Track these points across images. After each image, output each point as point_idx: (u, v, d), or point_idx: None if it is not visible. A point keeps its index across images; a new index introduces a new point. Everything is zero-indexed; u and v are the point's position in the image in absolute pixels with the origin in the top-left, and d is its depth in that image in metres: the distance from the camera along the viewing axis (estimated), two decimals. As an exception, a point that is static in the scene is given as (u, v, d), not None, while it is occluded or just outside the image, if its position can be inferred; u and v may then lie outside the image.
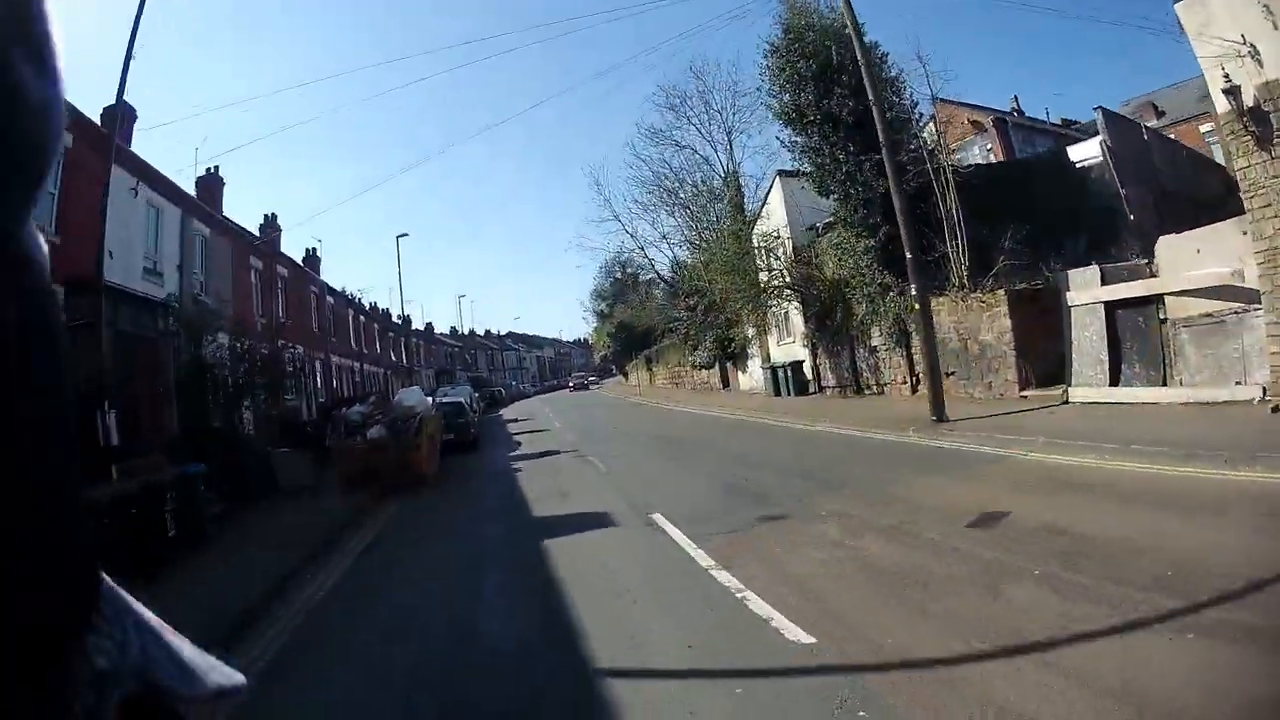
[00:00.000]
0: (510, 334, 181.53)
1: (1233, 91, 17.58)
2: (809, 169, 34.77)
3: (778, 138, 35.35)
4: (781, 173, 45.68)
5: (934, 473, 16.14)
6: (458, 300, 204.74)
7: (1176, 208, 32.51)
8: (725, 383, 60.39)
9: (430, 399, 32.08)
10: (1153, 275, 21.71)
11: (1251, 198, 17.94)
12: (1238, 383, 18.94)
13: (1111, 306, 22.80)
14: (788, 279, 42.30)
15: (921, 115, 32.40)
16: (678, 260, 71.84)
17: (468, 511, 19.89)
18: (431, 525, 18.77)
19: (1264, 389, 18.02)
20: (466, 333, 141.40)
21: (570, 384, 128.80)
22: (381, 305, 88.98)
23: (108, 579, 0.98)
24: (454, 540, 16.43)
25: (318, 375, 53.23)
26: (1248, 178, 17.93)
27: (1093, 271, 23.69)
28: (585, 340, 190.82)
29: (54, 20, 0.80)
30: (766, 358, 50.18)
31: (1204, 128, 53.42)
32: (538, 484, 22.74)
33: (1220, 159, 46.21)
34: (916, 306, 24.50)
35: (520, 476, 25.28)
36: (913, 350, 31.84)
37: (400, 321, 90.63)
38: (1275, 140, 17.25)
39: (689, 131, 65.94)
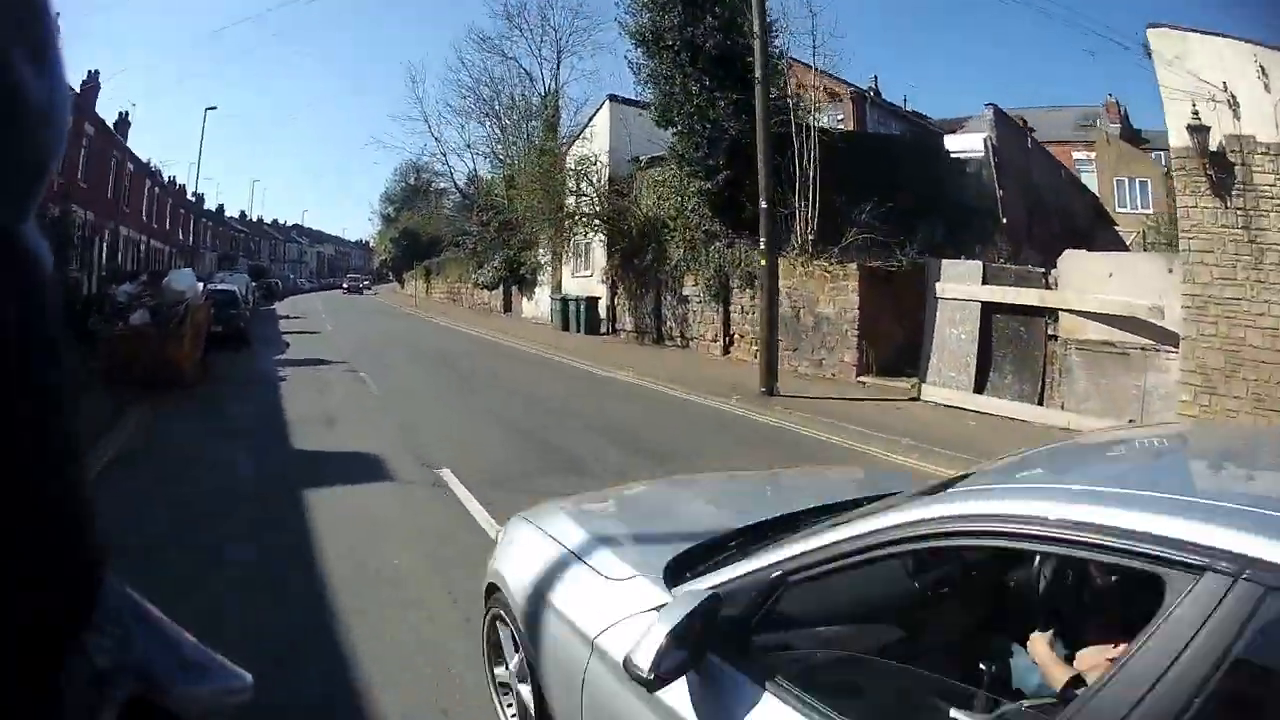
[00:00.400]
0: (296, 226, 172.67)
1: (1199, 130, 17.05)
2: (653, 96, 32.47)
3: (626, 57, 33.50)
4: (613, 98, 43.50)
5: (782, 460, 14.05)
6: (252, 185, 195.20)
7: (1046, 222, 33.08)
8: (507, 307, 57.77)
9: (201, 284, 29.55)
10: (1048, 287, 20.49)
11: (1191, 239, 17.52)
12: (1131, 421, 17.90)
13: (990, 308, 21.46)
14: (597, 208, 40.22)
15: (789, 65, 30.62)
16: (477, 172, 70.02)
17: (221, 430, 16.87)
18: (174, 447, 15.21)
19: (1161, 433, 17.25)
20: (255, 219, 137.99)
21: (344, 285, 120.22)
22: (180, 181, 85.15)
23: (109, 578, 1.01)
24: (192, 477, 12.72)
25: (103, 246, 48.99)
26: (1191, 218, 17.54)
27: (973, 266, 22.11)
28: (367, 243, 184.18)
29: (55, 20, 0.85)
30: (558, 287, 47.61)
31: (1077, 154, 55.21)
32: (304, 400, 20.43)
33: (1094, 187, 50.05)
34: (763, 262, 22.42)
35: (285, 388, 22.89)
36: (730, 308, 30.59)
37: (194, 200, 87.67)
38: (1234, 192, 16.86)
39: (519, 44, 66.41)
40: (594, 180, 40.70)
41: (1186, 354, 17.29)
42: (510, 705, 5.39)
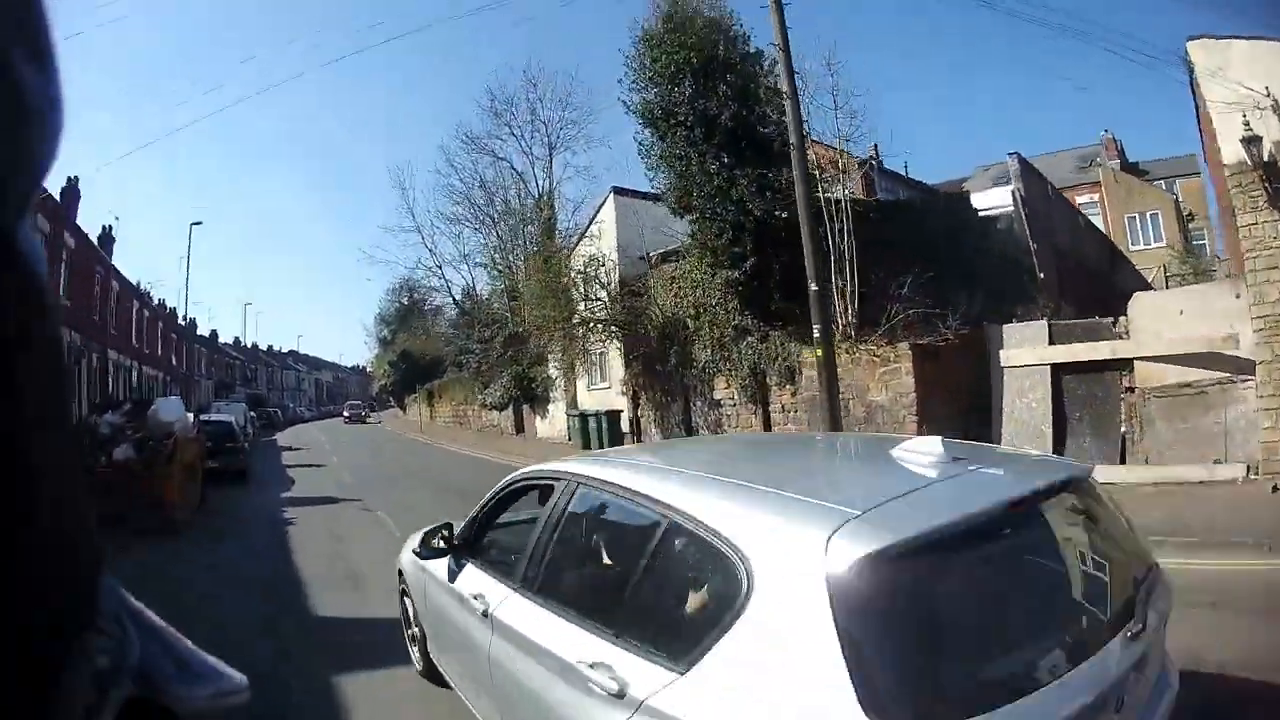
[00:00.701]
0: (292, 352, 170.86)
1: (1253, 142, 16.48)
2: (666, 181, 29.43)
3: (635, 138, 30.22)
4: (618, 190, 41.23)
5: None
6: (244, 308, 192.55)
7: (1074, 272, 31.78)
8: (520, 428, 53.94)
9: (190, 416, 26.25)
10: (1119, 336, 19.54)
11: (1255, 257, 16.91)
12: (1217, 461, 17.32)
13: (1059, 369, 20.28)
14: (610, 312, 37.17)
15: (810, 130, 27.12)
16: (475, 286, 68.35)
17: (219, 587, 13.97)
18: (160, 612, 12.09)
19: (1249, 467, 16.83)
20: (250, 345, 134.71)
21: (345, 413, 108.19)
22: (169, 304, 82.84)
23: (109, 579, 1.05)
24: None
25: (91, 371, 46.77)
26: (1252, 235, 16.91)
27: (1038, 327, 21.27)
28: (363, 368, 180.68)
29: (53, 21, 0.85)
30: (573, 403, 44.59)
31: (1081, 199, 53.30)
32: (316, 549, 17.44)
33: (1102, 227, 48.21)
34: (811, 355, 20.54)
35: (295, 533, 19.90)
36: (770, 408, 27.92)
37: (186, 324, 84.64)
38: (1294, 202, 15.93)
39: (509, 143, 60.99)
40: (604, 282, 38.03)
41: (1264, 378, 16.78)
42: (415, 649, 8.65)
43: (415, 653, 8.50)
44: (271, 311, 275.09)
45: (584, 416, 37.84)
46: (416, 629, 8.23)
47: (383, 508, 23.01)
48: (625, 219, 39.08)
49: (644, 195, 36.29)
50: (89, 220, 59.66)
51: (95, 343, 48.09)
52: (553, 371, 47.36)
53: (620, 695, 3.96)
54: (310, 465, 39.66)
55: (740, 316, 28.48)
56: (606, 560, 5.68)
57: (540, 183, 58.48)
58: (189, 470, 22.01)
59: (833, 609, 3.28)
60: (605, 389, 41.05)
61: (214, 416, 36.62)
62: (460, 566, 6.85)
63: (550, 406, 49.01)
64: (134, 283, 63.18)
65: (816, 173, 27.08)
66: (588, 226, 43.54)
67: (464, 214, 64.05)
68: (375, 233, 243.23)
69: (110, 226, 56.55)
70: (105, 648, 0.98)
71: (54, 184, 40.88)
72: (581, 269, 39.19)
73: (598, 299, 37.82)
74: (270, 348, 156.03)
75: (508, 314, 51.60)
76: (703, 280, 29.86)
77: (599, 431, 36.34)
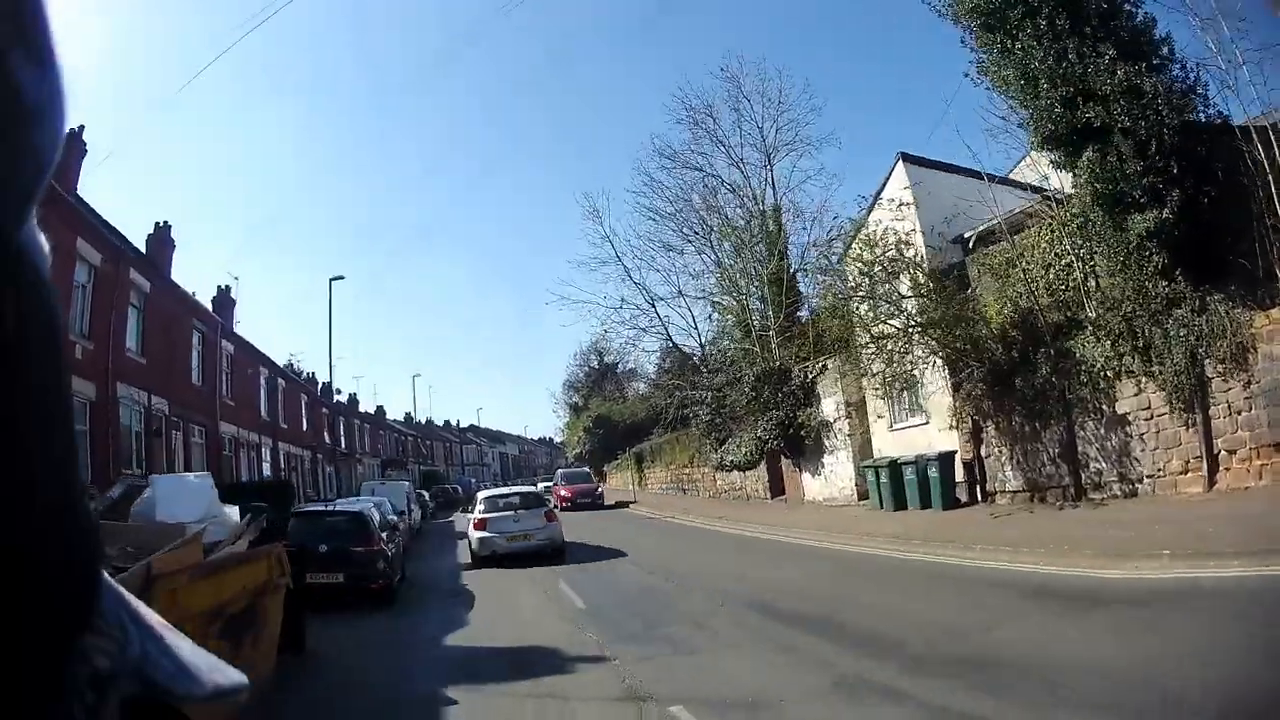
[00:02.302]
0: (472, 427, 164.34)
1: None
2: (1021, 96, 22.45)
3: (967, 74, 24.24)
4: (908, 158, 31.75)
5: None
6: (412, 381, 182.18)
7: None
8: (777, 489, 42.77)
9: (236, 513, 14.56)
10: None
11: None
12: None
13: None
14: (927, 317, 27.03)
15: None
16: (695, 324, 57.79)
17: None
18: None
19: None
20: (424, 421, 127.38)
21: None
22: (339, 387, 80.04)
23: (108, 578, 1.02)
24: None
25: (190, 443, 39.82)
26: None
27: None
28: (550, 439, 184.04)
29: (54, 20, 0.84)
30: (865, 449, 34.03)
31: None
32: None
33: None
34: None
35: None
36: (1210, 411, 19.88)
37: (333, 394, 75.86)
38: None
39: (715, 155, 51.49)
40: (913, 273, 27.77)
41: None
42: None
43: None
44: (446, 386, 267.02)
45: (894, 466, 28.60)
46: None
47: (656, 675, 11.46)
48: (920, 196, 29.62)
49: (941, 166, 30.62)
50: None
51: (199, 413, 41.19)
52: (829, 412, 37.25)
53: None
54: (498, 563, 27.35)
55: (1165, 282, 20.52)
56: None
57: (760, 196, 49.85)
58: (220, 620, 10.65)
59: None
60: (919, 426, 31.00)
61: (338, 506, 25.98)
62: None
63: (826, 460, 37.99)
64: (271, 360, 57.38)
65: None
66: (870, 205, 32.25)
67: (673, 239, 55.10)
68: (556, 284, 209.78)
69: (227, 288, 51.31)
70: (104, 648, 0.95)
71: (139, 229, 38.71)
72: (876, 259, 28.26)
73: (900, 302, 27.97)
74: (447, 423, 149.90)
75: (751, 349, 44.05)
76: (1098, 236, 22.45)
77: (918, 485, 27.51)
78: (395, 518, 30.44)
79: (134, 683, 0.97)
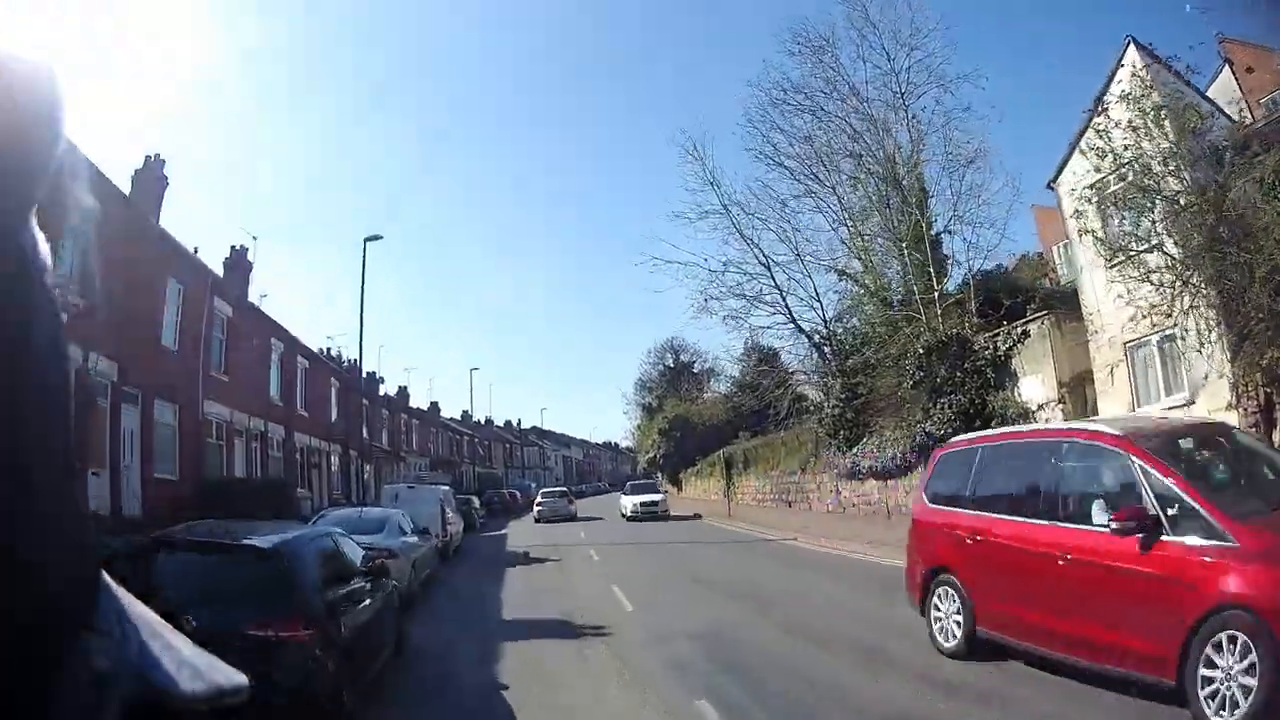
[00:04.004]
0: (535, 428, 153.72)
1: None
2: None
3: None
4: (1139, 45, 24.39)
5: None
6: (470, 375, 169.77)
7: None
8: None
9: None
10: None
11: None
12: None
13: None
14: (1186, 251, 20.97)
15: None
16: (818, 297, 46.01)
17: None
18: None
19: None
20: (483, 420, 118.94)
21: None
22: (381, 375, 71.85)
23: (107, 579, 1.06)
24: None
25: (153, 424, 30.51)
26: None
27: None
28: (615, 444, 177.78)
29: (51, 20, 0.85)
30: None
31: None
32: None
33: None
34: None
35: None
36: None
37: (376, 382, 69.37)
38: None
39: (837, 97, 42.37)
40: (1152, 205, 22.16)
41: None
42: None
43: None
44: (509, 383, 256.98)
45: None
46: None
47: None
48: (1175, 93, 23.14)
49: (1168, 65, 23.46)
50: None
51: (178, 390, 32.42)
52: (1032, 394, 28.63)
53: None
54: (561, 621, 17.85)
55: None
56: None
57: (894, 142, 40.54)
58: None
59: None
60: (1178, 407, 22.86)
61: (251, 538, 11.55)
62: None
63: None
64: (270, 316, 46.12)
65: None
66: (1099, 102, 24.97)
67: (791, 190, 45.48)
68: (647, 243, 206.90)
69: (244, 248, 43.07)
70: (104, 648, 0.97)
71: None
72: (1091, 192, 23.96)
73: (1145, 230, 22.52)
74: (507, 422, 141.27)
75: (913, 317, 34.93)
76: None
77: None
78: (401, 544, 21.28)
79: (134, 682, 0.98)
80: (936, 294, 34.39)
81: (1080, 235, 24.87)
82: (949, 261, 37.47)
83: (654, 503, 53.32)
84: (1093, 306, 25.13)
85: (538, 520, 54.84)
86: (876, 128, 40.14)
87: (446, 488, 38.06)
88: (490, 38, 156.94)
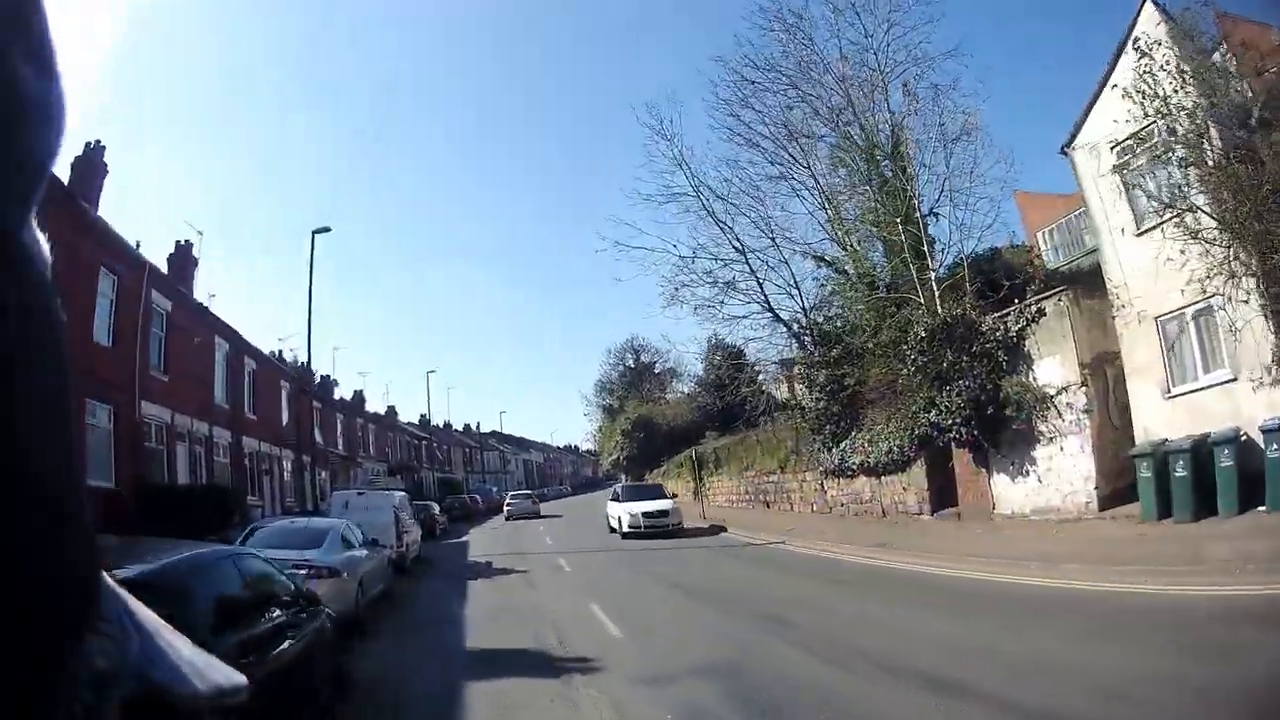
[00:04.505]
0: (494, 432, 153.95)
1: None
2: None
3: None
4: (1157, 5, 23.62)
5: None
6: (427, 378, 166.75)
7: None
8: (942, 500, 29.97)
9: None
10: None
11: None
12: None
13: None
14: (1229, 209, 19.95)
15: None
16: (796, 283, 43.68)
17: None
18: None
19: None
20: (441, 424, 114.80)
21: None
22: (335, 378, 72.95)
23: (107, 579, 1.04)
24: None
25: (83, 425, 27.10)
26: None
27: None
28: (576, 446, 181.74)
29: (53, 20, 0.85)
30: (1124, 429, 23.97)
31: None
32: None
33: None
34: None
35: None
36: None
37: (331, 386, 70.86)
38: None
39: (811, 77, 40.51)
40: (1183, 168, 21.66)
41: None
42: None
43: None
44: (467, 387, 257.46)
45: (1200, 451, 20.18)
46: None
47: None
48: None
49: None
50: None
51: (95, 380, 29.14)
52: (1049, 378, 26.18)
53: None
54: (529, 651, 15.22)
55: None
56: None
57: (876, 120, 38.77)
58: None
59: None
60: (1218, 385, 21.88)
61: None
62: None
63: (1039, 452, 26.26)
64: (214, 313, 43.60)
65: None
66: (1111, 65, 25.06)
67: (765, 173, 42.99)
68: (609, 227, 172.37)
69: (188, 243, 42.23)
70: (104, 648, 0.95)
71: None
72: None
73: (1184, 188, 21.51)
74: (466, 427, 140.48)
75: (912, 299, 32.78)
76: None
77: (1237, 478, 19.19)
78: (344, 560, 18.83)
79: (134, 682, 0.97)
80: (933, 274, 32.34)
81: (1126, 189, 23.61)
82: (935, 245, 35.14)
83: (663, 513, 37.92)
84: (1118, 279, 23.61)
85: (508, 518, 62.69)
86: (856, 106, 38.16)
87: (401, 493, 35.56)
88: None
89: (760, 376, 50.77)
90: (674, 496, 53.54)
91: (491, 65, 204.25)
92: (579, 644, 15.06)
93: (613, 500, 42.95)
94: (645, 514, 37.28)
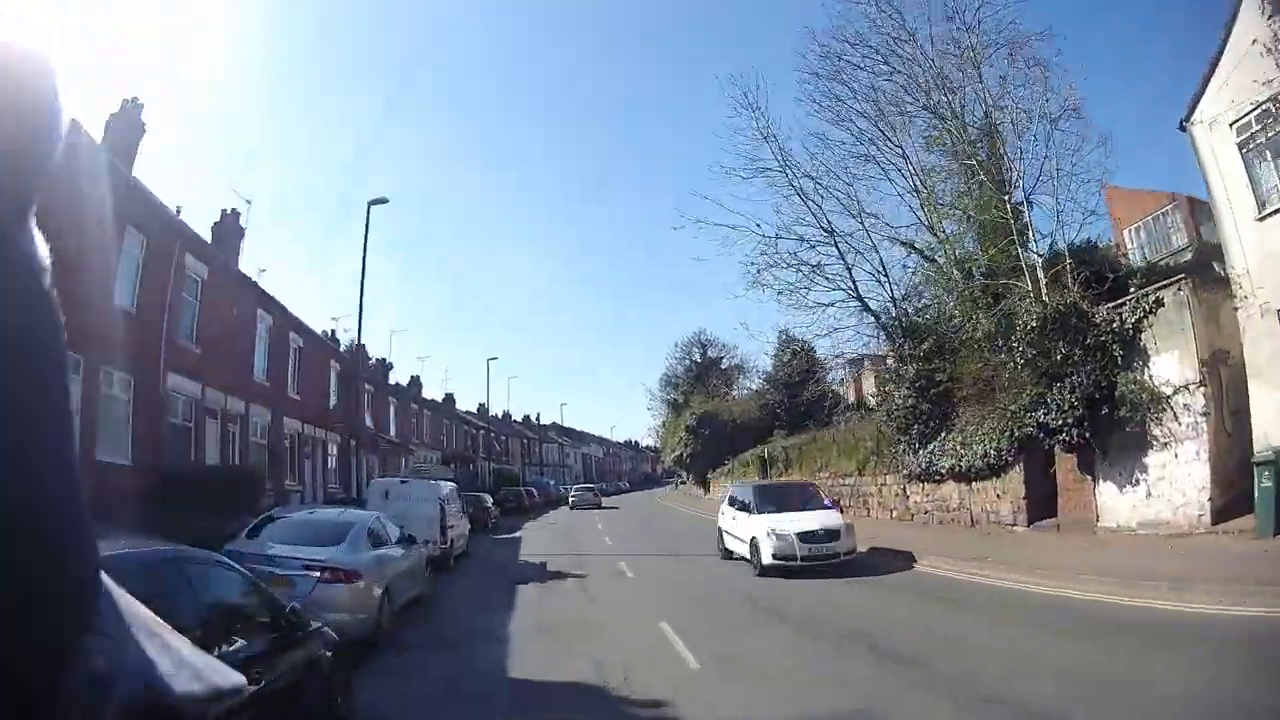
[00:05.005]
0: (554, 425, 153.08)
1: None
2: None
3: None
4: None
5: None
6: (487, 365, 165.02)
7: None
8: (1040, 510, 26.88)
9: None
10: None
11: None
12: None
13: None
14: None
15: None
16: (884, 270, 40.21)
17: None
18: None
19: None
20: (499, 414, 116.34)
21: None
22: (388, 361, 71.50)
23: (106, 580, 1.04)
24: None
25: (96, 396, 25.60)
26: None
27: None
28: (636, 442, 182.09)
29: (53, 23, 0.86)
30: (1216, 436, 21.95)
31: None
32: None
33: None
34: None
35: None
36: None
37: (385, 369, 69.49)
38: None
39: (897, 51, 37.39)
40: None
41: None
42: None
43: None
44: (529, 377, 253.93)
45: None
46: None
47: None
48: None
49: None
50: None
51: (110, 349, 25.55)
52: (1167, 375, 23.36)
53: None
54: (586, 686, 12.14)
55: None
56: None
57: (969, 96, 35.45)
58: None
59: None
60: None
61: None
62: None
63: (1151, 458, 23.63)
64: (257, 284, 41.36)
65: None
66: (1213, 65, 24.01)
67: (853, 153, 39.58)
68: (687, 201, 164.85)
69: (235, 211, 39.88)
70: (103, 649, 0.95)
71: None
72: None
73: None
74: (526, 418, 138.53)
75: (1020, 286, 29.73)
76: None
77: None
78: (368, 560, 15.94)
79: (133, 683, 0.97)
80: (1040, 260, 29.61)
81: (1252, 165, 21.68)
82: (1031, 232, 32.15)
83: (831, 534, 23.39)
84: (1240, 267, 21.69)
85: (572, 508, 72.18)
86: (949, 82, 35.35)
87: (450, 484, 32.45)
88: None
89: (831, 375, 50.03)
90: (704, 488, 50.16)
91: (559, 51, 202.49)
92: (648, 679, 12.16)
93: (733, 507, 27.81)
94: (802, 535, 23.15)
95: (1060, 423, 24.46)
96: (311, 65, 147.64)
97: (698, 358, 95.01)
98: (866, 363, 48.67)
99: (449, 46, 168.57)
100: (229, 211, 38.82)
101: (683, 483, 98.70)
